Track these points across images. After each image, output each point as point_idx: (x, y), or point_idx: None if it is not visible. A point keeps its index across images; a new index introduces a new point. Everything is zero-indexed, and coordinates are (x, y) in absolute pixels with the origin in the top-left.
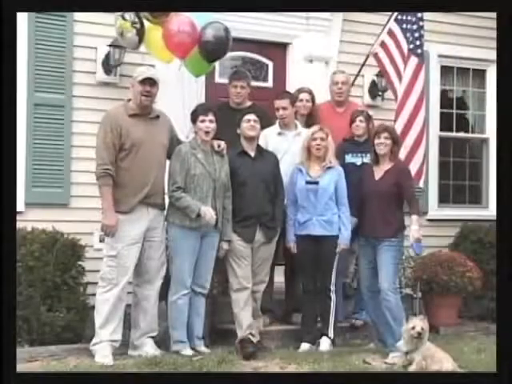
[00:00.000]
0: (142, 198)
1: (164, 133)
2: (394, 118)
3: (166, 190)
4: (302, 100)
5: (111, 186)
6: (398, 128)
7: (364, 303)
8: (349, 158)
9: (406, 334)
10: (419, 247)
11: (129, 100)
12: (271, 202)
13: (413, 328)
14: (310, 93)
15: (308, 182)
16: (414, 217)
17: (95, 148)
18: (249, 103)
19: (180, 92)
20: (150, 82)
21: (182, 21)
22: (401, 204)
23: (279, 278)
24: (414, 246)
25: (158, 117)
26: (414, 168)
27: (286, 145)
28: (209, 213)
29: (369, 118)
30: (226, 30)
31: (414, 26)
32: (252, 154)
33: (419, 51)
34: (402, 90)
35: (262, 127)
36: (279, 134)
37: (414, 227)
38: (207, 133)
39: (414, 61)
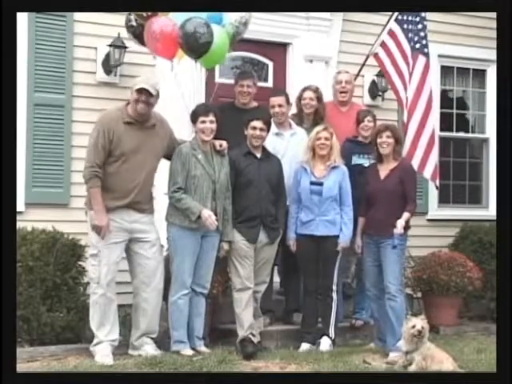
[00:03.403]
0: (123, 205)
1: (159, 142)
2: (406, 119)
3: (167, 191)
4: (305, 98)
5: (100, 187)
6: (412, 129)
7: (366, 302)
8: (356, 159)
9: (407, 333)
10: (398, 240)
11: (127, 104)
12: (275, 204)
13: (413, 327)
14: (316, 91)
15: (312, 183)
16: (406, 213)
17: (87, 147)
18: (254, 104)
19: (180, 91)
20: (147, 92)
21: (162, 23)
22: (405, 202)
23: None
24: (394, 237)
25: (154, 125)
26: (430, 168)
27: (283, 145)
28: (210, 219)
29: (375, 119)
30: (204, 25)
31: (419, 26)
32: (258, 155)
33: (426, 50)
34: (412, 90)
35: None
36: (276, 134)
37: (400, 220)
38: (207, 133)
39: (422, 60)
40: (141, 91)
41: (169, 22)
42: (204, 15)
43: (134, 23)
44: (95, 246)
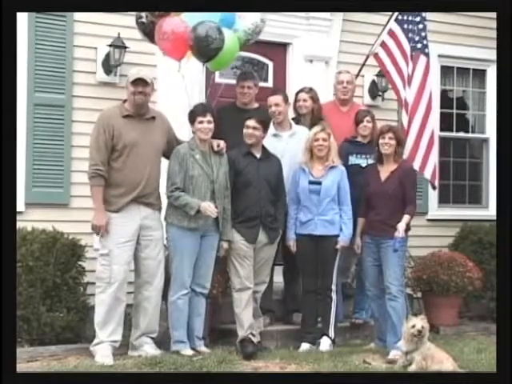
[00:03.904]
0: (132, 199)
1: (159, 134)
2: (408, 119)
3: (165, 191)
4: (298, 100)
5: (102, 186)
6: (414, 130)
7: (366, 302)
8: (353, 160)
9: (406, 333)
10: (399, 243)
11: (124, 101)
12: (274, 204)
13: (413, 326)
14: (309, 92)
15: (311, 183)
16: (407, 216)
17: (89, 147)
18: (256, 105)
19: (183, 92)
20: (142, 82)
21: (174, 23)
22: (405, 204)
23: (279, 277)
24: (395, 240)
25: (153, 118)
26: (429, 169)
27: (281, 146)
28: (210, 207)
29: (374, 119)
30: (216, 30)
31: (420, 26)
32: (257, 155)
33: (426, 51)
34: (414, 91)
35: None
36: (274, 135)
37: (401, 224)
38: (205, 133)
39: (423, 60)
40: (136, 83)
41: (181, 23)
42: (217, 17)
43: (144, 20)
44: (105, 246)
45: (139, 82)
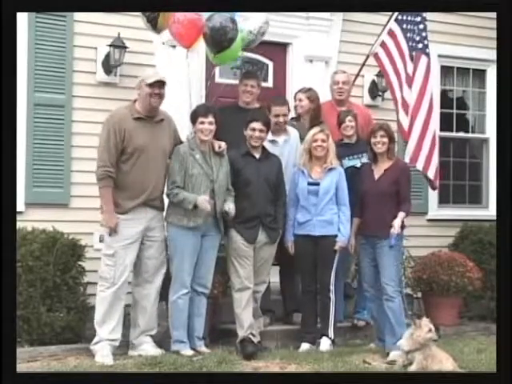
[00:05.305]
0: (140, 202)
1: (167, 137)
2: (409, 120)
3: (165, 190)
4: (296, 100)
5: (111, 187)
6: (417, 130)
7: (365, 302)
8: (347, 162)
9: (422, 338)
10: (395, 240)
11: (134, 101)
12: (274, 204)
13: (429, 331)
14: (306, 92)
15: (310, 184)
16: (402, 213)
17: (97, 148)
18: (257, 104)
19: (185, 90)
20: (159, 84)
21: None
22: (400, 202)
23: (277, 278)
24: (391, 236)
25: (162, 120)
26: (432, 170)
27: (277, 151)
28: (205, 201)
29: (356, 118)
30: (230, 20)
31: (421, 26)
32: (257, 155)
33: (427, 51)
34: (416, 91)
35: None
36: (270, 141)
37: (397, 220)
38: (206, 134)
39: (424, 61)
40: (153, 84)
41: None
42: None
43: (147, 13)
44: (111, 246)
45: (156, 83)
